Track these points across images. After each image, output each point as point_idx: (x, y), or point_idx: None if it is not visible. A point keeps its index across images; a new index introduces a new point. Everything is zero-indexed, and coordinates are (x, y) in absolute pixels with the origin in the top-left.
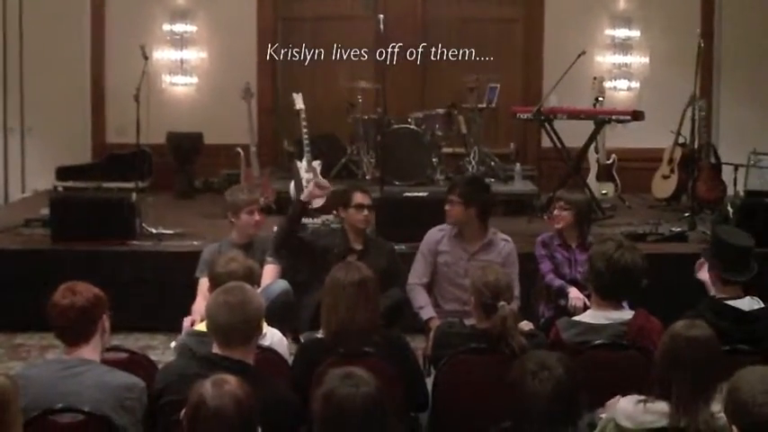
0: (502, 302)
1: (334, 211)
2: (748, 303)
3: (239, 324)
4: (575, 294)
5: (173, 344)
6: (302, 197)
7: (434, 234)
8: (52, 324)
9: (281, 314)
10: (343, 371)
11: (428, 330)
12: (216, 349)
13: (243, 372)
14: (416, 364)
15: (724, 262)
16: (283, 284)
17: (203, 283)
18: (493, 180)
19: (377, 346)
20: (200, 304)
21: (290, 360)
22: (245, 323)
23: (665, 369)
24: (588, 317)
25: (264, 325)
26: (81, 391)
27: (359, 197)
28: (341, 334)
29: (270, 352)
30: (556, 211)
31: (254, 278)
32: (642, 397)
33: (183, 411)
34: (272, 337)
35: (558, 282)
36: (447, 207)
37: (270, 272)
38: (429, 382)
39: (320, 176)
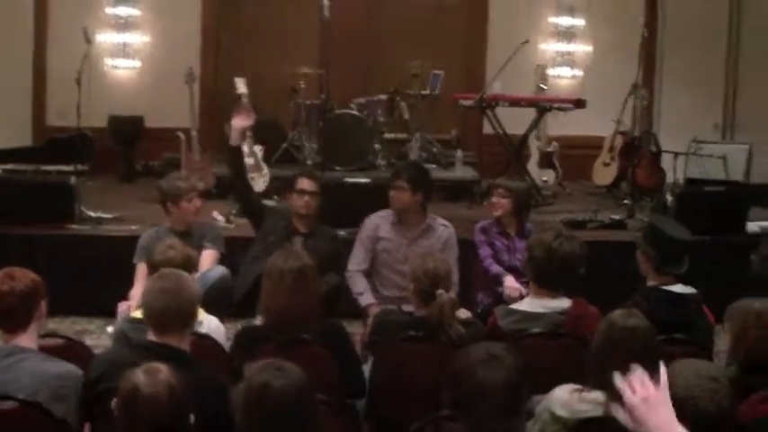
0: (440, 290)
1: (275, 196)
2: (681, 289)
3: (174, 311)
4: (510, 284)
5: (109, 329)
6: (230, 142)
7: (374, 220)
8: None
9: (218, 300)
10: (268, 362)
11: (366, 317)
12: (151, 336)
13: (178, 359)
14: (353, 351)
15: (660, 252)
16: (221, 270)
17: (141, 269)
18: (434, 166)
19: (314, 333)
20: (137, 290)
21: (226, 347)
22: (181, 310)
23: (601, 358)
24: (526, 305)
25: (201, 311)
26: (17, 379)
27: (301, 183)
28: (279, 321)
29: (207, 339)
30: (494, 199)
31: (191, 266)
32: (578, 386)
33: (115, 399)
34: (209, 323)
35: (495, 268)
36: (393, 193)
37: (208, 257)
38: (366, 368)
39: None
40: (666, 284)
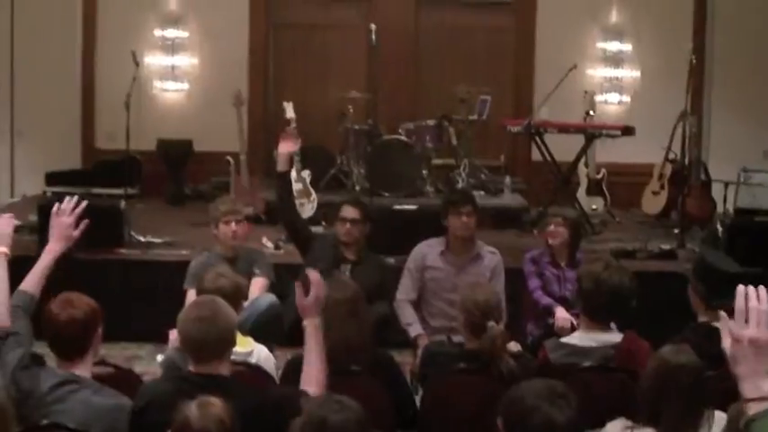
0: (491, 323)
1: (323, 222)
2: None
3: (213, 339)
4: (561, 314)
5: (159, 357)
6: (278, 168)
7: (422, 249)
8: (47, 335)
9: (268, 329)
10: (326, 396)
11: (416, 347)
12: (191, 365)
13: (218, 386)
14: (404, 382)
15: (709, 287)
16: (270, 298)
17: (191, 295)
18: (483, 193)
19: (365, 364)
20: None
21: (277, 377)
22: (219, 337)
23: (652, 395)
24: (576, 338)
25: (251, 341)
26: (70, 409)
27: (345, 211)
28: (330, 352)
29: (257, 370)
30: (552, 228)
31: (241, 294)
32: (629, 423)
33: None
34: (258, 353)
35: (545, 300)
36: (462, 219)
37: (258, 284)
38: (416, 400)
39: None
40: (716, 320)
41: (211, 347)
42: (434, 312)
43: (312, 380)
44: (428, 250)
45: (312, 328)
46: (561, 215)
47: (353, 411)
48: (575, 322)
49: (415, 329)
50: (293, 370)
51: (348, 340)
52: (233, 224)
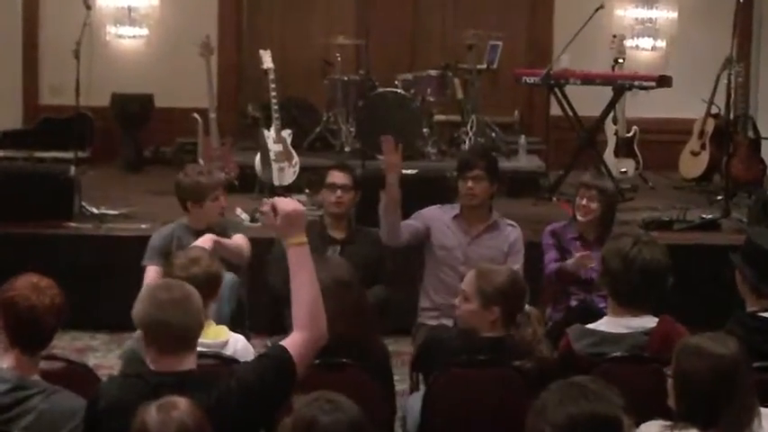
0: (529, 307)
1: (306, 190)
2: None
3: (186, 325)
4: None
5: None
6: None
7: (434, 210)
8: (6, 324)
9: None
10: (318, 395)
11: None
12: (153, 359)
13: (190, 384)
14: (390, 378)
15: (759, 271)
16: (228, 278)
17: (152, 273)
18: (494, 154)
19: (358, 356)
20: None
21: None
22: (195, 324)
23: (694, 393)
24: (604, 325)
25: (225, 330)
26: (20, 414)
27: (332, 176)
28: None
29: (232, 363)
30: (584, 201)
31: (216, 286)
32: (668, 423)
33: None
34: (234, 344)
35: (553, 265)
36: (469, 184)
37: (242, 239)
38: (418, 397)
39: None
40: None
41: (183, 336)
42: (438, 285)
43: (304, 317)
44: (440, 214)
45: (294, 250)
46: (596, 186)
47: (346, 412)
48: (593, 260)
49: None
50: None
51: (340, 330)
52: (221, 198)
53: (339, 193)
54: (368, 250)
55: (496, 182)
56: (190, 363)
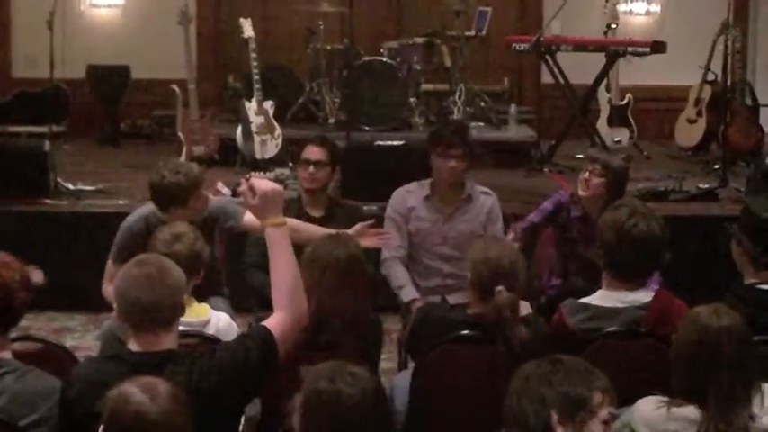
0: (499, 287)
1: (290, 164)
2: None
3: (162, 302)
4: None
5: (103, 326)
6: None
7: (403, 196)
8: None
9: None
10: (333, 367)
11: (409, 313)
12: (131, 338)
13: (168, 364)
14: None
15: (757, 241)
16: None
17: (111, 271)
18: (482, 124)
19: (355, 334)
20: None
21: None
22: (171, 301)
23: (691, 367)
24: (598, 299)
25: (207, 308)
26: None
27: (307, 151)
28: (318, 323)
29: (215, 343)
30: (585, 175)
31: (200, 266)
32: (665, 399)
33: (101, 428)
34: (216, 323)
35: (524, 224)
36: (450, 163)
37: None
38: (407, 374)
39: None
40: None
41: (160, 313)
42: (423, 271)
43: (284, 298)
44: (408, 196)
45: (272, 231)
46: (601, 160)
47: (368, 382)
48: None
49: (408, 293)
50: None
51: (342, 310)
52: (203, 193)
53: (312, 169)
54: (346, 227)
55: (471, 157)
56: (169, 342)
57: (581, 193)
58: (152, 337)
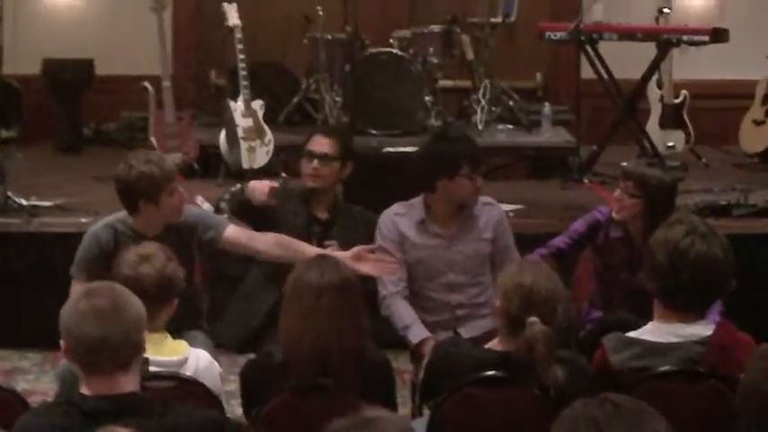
0: (533, 318)
1: (283, 174)
2: None
3: (115, 339)
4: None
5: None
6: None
7: (392, 220)
8: None
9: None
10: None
11: (420, 357)
12: (83, 380)
13: (132, 410)
14: (394, 400)
15: None
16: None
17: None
18: (511, 127)
19: (360, 376)
20: None
21: (222, 393)
22: (124, 337)
23: (763, 416)
24: (649, 333)
25: (185, 345)
26: None
27: (313, 142)
28: (309, 359)
29: (192, 385)
30: (617, 194)
31: (171, 292)
32: None
33: None
34: (196, 361)
35: (543, 251)
36: (480, 183)
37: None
38: (422, 423)
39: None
40: None
41: (113, 354)
42: (428, 305)
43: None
44: (399, 221)
45: None
46: (635, 175)
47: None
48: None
49: (416, 333)
50: (255, 381)
51: (337, 344)
52: (179, 190)
53: (316, 163)
54: (352, 235)
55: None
56: (129, 384)
57: (614, 215)
58: (106, 378)
